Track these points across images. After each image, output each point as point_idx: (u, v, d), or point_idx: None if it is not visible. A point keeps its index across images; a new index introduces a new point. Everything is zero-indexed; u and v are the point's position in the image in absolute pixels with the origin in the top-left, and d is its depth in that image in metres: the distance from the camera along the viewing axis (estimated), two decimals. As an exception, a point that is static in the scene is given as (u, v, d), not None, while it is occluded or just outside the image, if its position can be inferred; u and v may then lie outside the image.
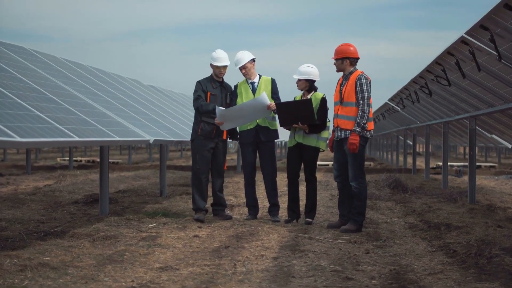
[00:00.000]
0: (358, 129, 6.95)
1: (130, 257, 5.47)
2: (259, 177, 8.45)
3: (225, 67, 7.89)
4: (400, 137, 22.93)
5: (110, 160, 21.63)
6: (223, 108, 7.67)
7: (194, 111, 7.99)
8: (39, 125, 5.93)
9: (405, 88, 14.19)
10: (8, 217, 7.78)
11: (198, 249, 6.01)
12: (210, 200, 8.12)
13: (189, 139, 8.47)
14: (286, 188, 8.36)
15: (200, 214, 7.72)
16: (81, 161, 22.85)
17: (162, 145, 11.00)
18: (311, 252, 5.85)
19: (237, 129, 8.04)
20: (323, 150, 7.66)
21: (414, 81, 12.49)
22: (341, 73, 7.27)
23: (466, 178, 15.67)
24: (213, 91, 7.88)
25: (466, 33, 7.62)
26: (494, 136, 14.81)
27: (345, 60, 7.16)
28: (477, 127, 12.23)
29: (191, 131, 8.13)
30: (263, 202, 9.09)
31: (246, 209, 8.27)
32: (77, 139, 6.28)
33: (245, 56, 7.83)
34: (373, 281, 4.83)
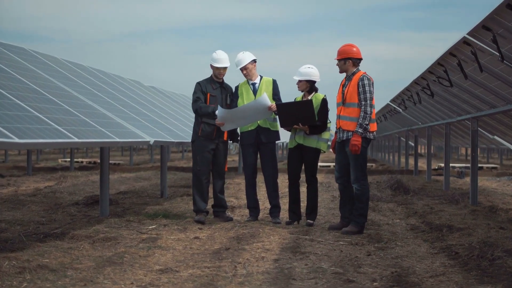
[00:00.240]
0: (360, 130, 6.91)
1: (130, 259, 5.43)
2: (260, 179, 8.41)
3: (225, 68, 7.86)
4: (401, 138, 22.91)
5: (111, 161, 21.63)
6: (224, 109, 7.63)
7: (195, 112, 7.96)
8: (38, 126, 5.89)
9: (407, 89, 14.16)
10: (8, 219, 7.75)
11: (199, 251, 5.97)
12: (211, 202, 8.09)
13: (190, 140, 8.44)
14: (287, 190, 8.32)
15: (200, 216, 7.69)
16: (82, 162, 22.82)
17: (163, 146, 10.97)
18: (312, 254, 5.81)
19: (238, 130, 8.01)
20: (324, 151, 7.62)
21: (416, 82, 12.46)
22: (344, 74, 7.23)
23: (468, 179, 15.63)
24: (213, 92, 7.84)
25: (468, 33, 7.58)
26: (496, 137, 14.75)
27: (348, 60, 7.12)
28: (479, 128, 12.19)
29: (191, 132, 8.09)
30: (264, 203, 9.05)
31: (247, 211, 8.24)
32: (76, 140, 6.24)
33: (246, 57, 7.80)
34: (375, 284, 4.79)
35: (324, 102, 7.56)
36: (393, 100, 17.79)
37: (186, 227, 7.28)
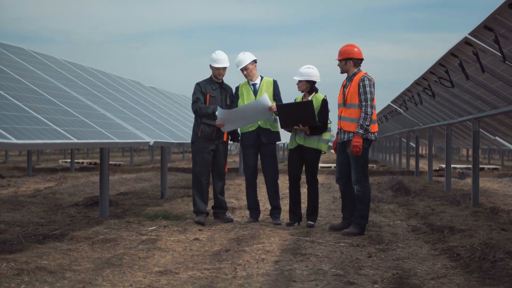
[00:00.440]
0: (361, 131, 6.87)
1: (129, 261, 5.40)
2: (260, 180, 8.38)
3: (224, 68, 7.83)
4: (403, 139, 22.87)
5: (112, 162, 21.59)
6: (224, 109, 7.59)
7: (195, 113, 7.93)
8: (36, 126, 5.85)
9: (408, 90, 14.12)
10: (7, 220, 7.71)
11: (198, 252, 5.93)
12: (211, 203, 8.05)
13: (190, 141, 8.41)
14: (287, 191, 8.28)
15: (201, 217, 7.65)
16: (83, 163, 22.80)
17: (163, 147, 10.93)
18: (312, 256, 5.77)
19: (238, 130, 7.98)
20: (324, 152, 7.59)
21: (417, 82, 12.42)
22: (345, 75, 7.19)
23: (469, 180, 15.59)
24: (213, 92, 7.81)
25: (470, 34, 7.54)
26: (497, 138, 14.71)
27: (349, 61, 7.08)
28: (480, 129, 12.14)
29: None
30: (264, 204, 9.02)
31: (247, 212, 8.20)
32: (75, 141, 6.20)
33: (246, 57, 7.77)
34: (376, 286, 4.75)
35: (324, 102, 7.52)
36: (394, 101, 17.75)
37: (186, 228, 7.24)
